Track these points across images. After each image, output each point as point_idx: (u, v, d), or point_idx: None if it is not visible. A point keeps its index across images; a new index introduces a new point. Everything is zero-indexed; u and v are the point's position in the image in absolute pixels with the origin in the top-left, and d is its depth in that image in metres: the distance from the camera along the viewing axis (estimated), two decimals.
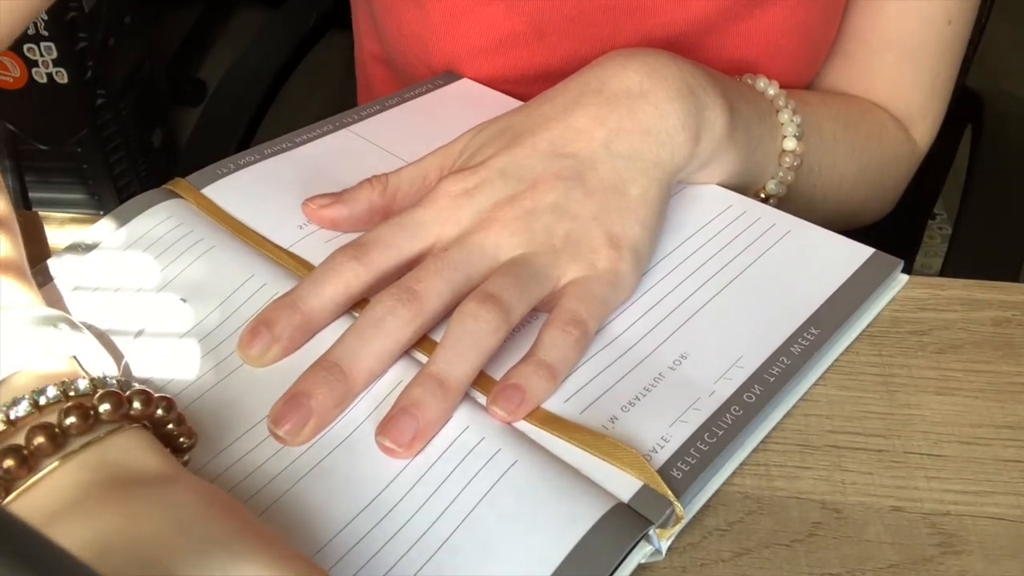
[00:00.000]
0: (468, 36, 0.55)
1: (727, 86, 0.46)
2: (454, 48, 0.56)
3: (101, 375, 0.31)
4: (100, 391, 0.29)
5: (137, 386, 0.31)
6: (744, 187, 0.49)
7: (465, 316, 0.36)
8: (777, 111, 0.50)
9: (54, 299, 0.40)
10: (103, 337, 0.38)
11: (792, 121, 0.50)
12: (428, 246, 0.39)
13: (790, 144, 0.50)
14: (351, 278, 0.38)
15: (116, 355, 0.37)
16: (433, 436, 0.34)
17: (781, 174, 0.50)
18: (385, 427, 0.34)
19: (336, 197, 0.43)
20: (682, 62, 0.43)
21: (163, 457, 0.30)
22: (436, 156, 0.44)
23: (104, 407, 0.29)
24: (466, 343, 0.35)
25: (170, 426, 0.31)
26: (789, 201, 0.52)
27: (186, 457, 0.32)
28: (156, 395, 0.30)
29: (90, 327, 0.38)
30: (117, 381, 0.31)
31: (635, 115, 0.42)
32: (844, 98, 0.59)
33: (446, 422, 0.35)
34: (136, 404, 0.30)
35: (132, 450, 0.29)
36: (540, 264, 0.38)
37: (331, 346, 0.36)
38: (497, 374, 0.37)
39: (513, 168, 0.40)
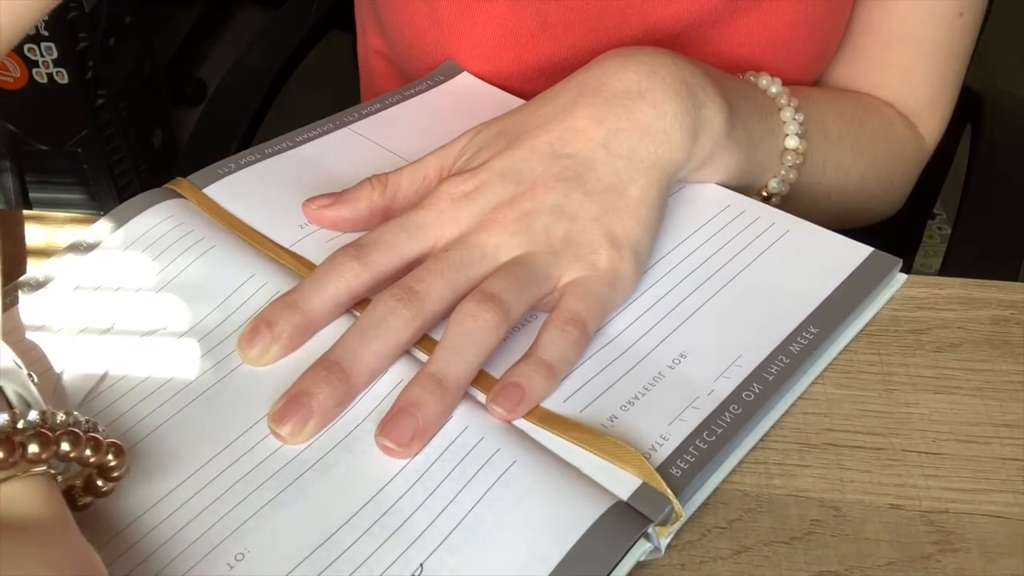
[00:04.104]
0: (474, 30, 0.55)
1: (727, 84, 0.46)
2: (459, 42, 0.56)
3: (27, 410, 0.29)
4: (29, 430, 0.28)
5: (69, 420, 0.29)
6: (746, 186, 0.49)
7: (464, 315, 0.36)
8: (779, 109, 0.50)
9: (54, 299, 0.40)
10: (40, 363, 0.37)
11: (794, 119, 0.50)
12: (428, 248, 0.39)
13: (792, 142, 0.50)
14: (351, 278, 0.38)
15: (48, 382, 0.37)
16: (433, 435, 0.34)
17: (783, 172, 0.50)
18: (385, 427, 0.34)
19: (336, 198, 0.43)
20: (681, 61, 0.44)
21: (48, 510, 0.28)
22: (436, 157, 0.44)
23: (32, 448, 0.28)
24: (465, 342, 0.36)
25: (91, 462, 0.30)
26: (793, 200, 0.52)
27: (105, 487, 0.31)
28: (84, 438, 0.29)
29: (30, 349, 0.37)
30: (43, 414, 0.29)
31: (633, 115, 0.42)
32: (851, 95, 0.58)
33: (446, 421, 0.35)
34: (64, 446, 0.29)
35: (18, 499, 0.28)
36: (540, 264, 0.39)
37: (332, 346, 0.36)
38: (497, 373, 0.37)
39: (512, 170, 0.41)
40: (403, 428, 0.34)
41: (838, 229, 0.45)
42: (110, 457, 0.30)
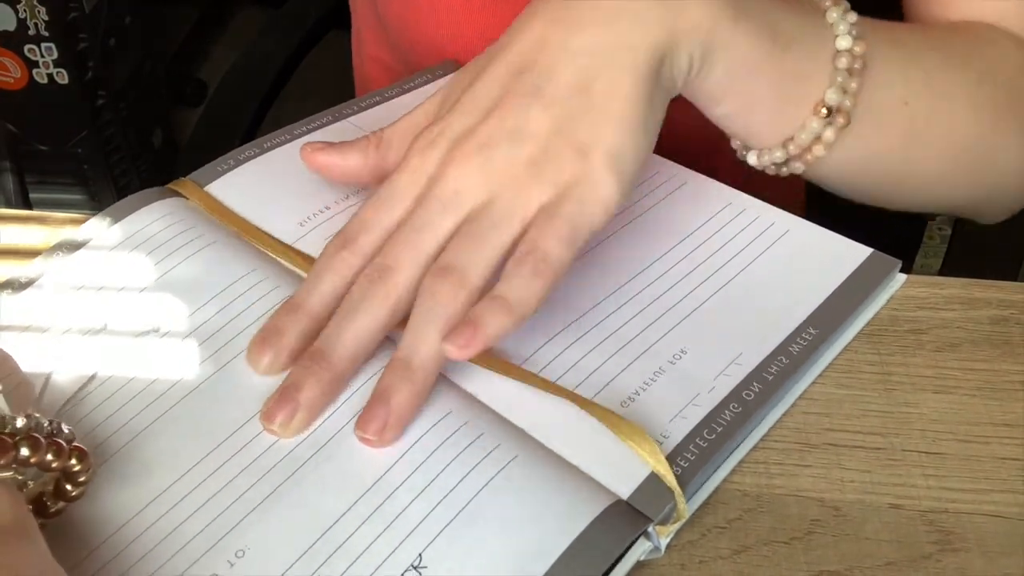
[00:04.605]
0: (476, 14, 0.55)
1: None
2: (463, 29, 0.55)
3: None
4: None
5: (38, 422, 0.29)
6: (794, 99, 0.41)
7: (423, 294, 0.35)
8: (824, 11, 0.42)
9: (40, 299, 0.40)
10: (12, 374, 0.37)
11: (844, 19, 0.41)
12: (408, 211, 0.38)
13: (844, 42, 0.41)
14: (345, 269, 0.37)
15: (25, 391, 0.36)
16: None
17: (840, 79, 0.41)
18: (361, 419, 0.34)
19: (332, 145, 0.43)
20: None
21: (9, 518, 0.28)
22: (425, 105, 0.42)
23: None
24: (425, 320, 0.35)
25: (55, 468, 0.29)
26: (878, 126, 0.43)
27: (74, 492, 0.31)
28: (45, 443, 0.29)
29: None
30: (1, 419, 0.29)
31: (596, 4, 0.37)
32: (931, 25, 0.49)
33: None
34: (24, 451, 0.28)
35: None
36: (500, 207, 0.36)
37: (318, 336, 0.36)
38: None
39: (471, 102, 0.38)
40: (376, 415, 0.34)
41: (971, 194, 0.42)
42: (73, 461, 0.30)
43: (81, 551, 0.31)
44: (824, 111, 0.41)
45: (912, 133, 0.43)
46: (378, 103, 0.53)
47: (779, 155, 0.43)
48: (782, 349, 0.38)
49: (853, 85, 0.41)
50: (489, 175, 0.36)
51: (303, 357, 0.35)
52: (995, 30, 0.47)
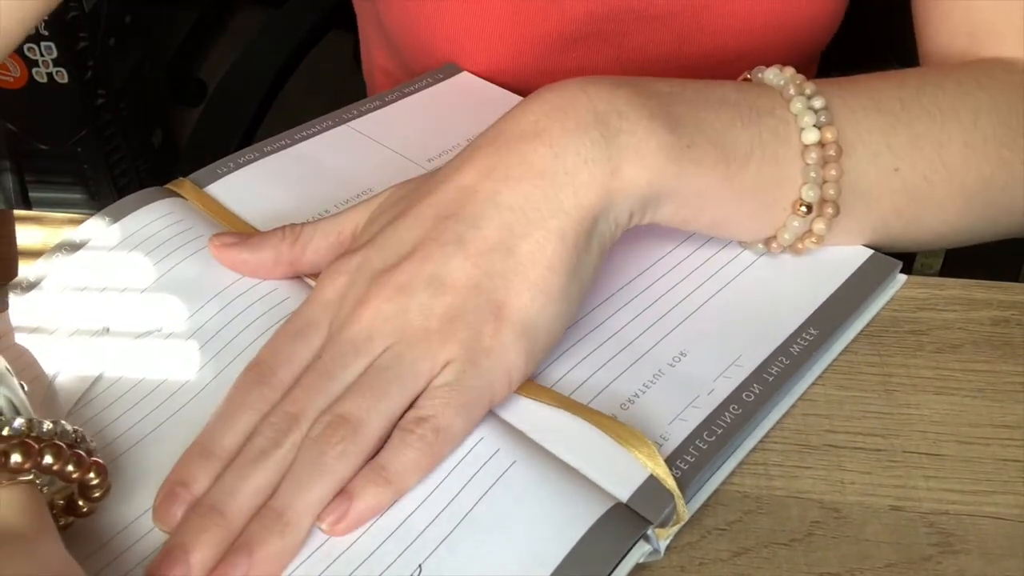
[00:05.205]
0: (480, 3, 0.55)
1: (682, 99, 0.38)
2: (464, 26, 0.55)
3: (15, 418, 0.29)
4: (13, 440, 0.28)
5: (60, 428, 0.29)
6: (768, 205, 0.40)
7: (309, 443, 0.33)
8: (788, 101, 0.40)
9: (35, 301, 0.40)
10: (29, 369, 0.37)
11: (809, 108, 0.40)
12: (324, 341, 0.36)
13: (811, 136, 0.39)
14: (263, 405, 0.34)
15: (39, 388, 0.36)
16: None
17: (814, 175, 0.39)
18: (215, 572, 0.31)
19: (243, 239, 0.40)
20: (600, 89, 0.37)
21: (31, 520, 0.28)
22: (353, 212, 0.40)
23: (15, 457, 0.27)
24: (309, 472, 0.32)
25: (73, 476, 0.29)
26: (876, 202, 0.42)
27: (85, 507, 0.31)
28: (68, 452, 0.29)
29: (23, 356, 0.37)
30: (29, 422, 0.29)
31: (527, 159, 0.36)
32: (924, 67, 0.48)
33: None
34: (48, 458, 0.28)
35: (1, 508, 0.27)
36: (409, 359, 0.34)
37: (210, 487, 0.33)
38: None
39: (393, 241, 0.36)
40: (234, 569, 0.31)
41: (986, 231, 0.42)
42: (92, 475, 0.29)
43: (84, 551, 0.31)
44: (803, 209, 0.40)
45: (910, 196, 0.42)
46: (378, 107, 0.53)
47: (761, 248, 0.43)
48: (782, 350, 0.38)
49: (833, 173, 0.40)
50: (403, 325, 0.35)
51: (193, 511, 0.32)
52: (989, 61, 0.46)
